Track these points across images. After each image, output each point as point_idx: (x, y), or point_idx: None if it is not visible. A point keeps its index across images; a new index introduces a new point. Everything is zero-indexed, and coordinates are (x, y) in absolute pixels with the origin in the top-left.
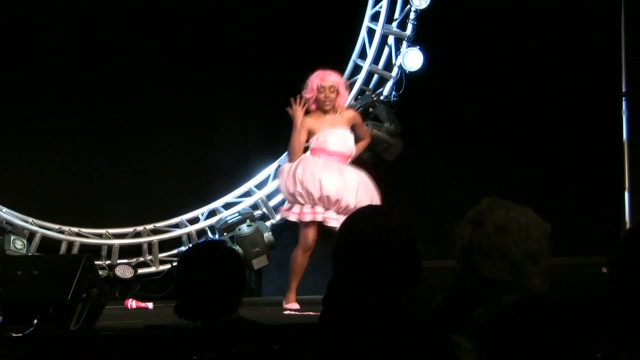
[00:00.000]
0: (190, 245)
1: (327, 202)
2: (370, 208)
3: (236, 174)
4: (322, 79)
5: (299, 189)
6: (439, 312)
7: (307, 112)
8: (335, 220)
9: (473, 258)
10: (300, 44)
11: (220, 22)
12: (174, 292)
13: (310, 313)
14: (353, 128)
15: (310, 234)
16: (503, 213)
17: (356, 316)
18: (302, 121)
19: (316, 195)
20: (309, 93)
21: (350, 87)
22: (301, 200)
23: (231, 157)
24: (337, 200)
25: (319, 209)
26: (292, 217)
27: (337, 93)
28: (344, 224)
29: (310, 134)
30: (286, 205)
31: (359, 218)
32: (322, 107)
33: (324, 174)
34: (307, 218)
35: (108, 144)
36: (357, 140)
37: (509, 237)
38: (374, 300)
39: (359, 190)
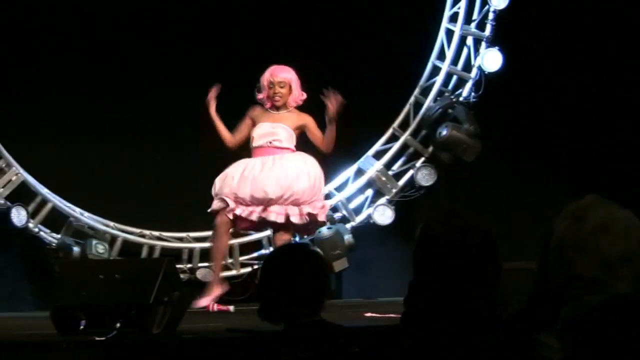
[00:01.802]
0: (272, 248)
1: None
2: (448, 210)
3: None
4: (272, 75)
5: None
6: (521, 313)
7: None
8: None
9: (566, 254)
10: (380, 46)
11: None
12: (258, 295)
13: (392, 315)
14: (305, 131)
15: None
16: (604, 212)
17: (436, 318)
18: (249, 111)
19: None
20: (262, 92)
21: (429, 88)
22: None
23: None
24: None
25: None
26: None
27: (289, 90)
28: (423, 225)
29: (253, 124)
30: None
31: (437, 219)
32: (273, 103)
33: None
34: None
35: (189, 149)
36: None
37: (607, 236)
38: (452, 301)
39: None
